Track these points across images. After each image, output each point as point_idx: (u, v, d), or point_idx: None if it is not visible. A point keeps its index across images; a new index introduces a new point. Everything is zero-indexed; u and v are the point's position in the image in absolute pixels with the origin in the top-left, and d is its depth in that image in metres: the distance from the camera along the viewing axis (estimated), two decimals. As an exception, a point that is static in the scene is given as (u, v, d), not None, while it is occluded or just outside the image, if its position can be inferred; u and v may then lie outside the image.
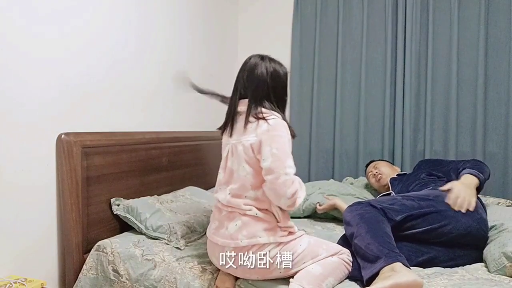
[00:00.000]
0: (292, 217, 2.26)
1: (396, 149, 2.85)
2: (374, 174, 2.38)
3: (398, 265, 1.32)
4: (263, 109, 1.44)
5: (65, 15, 1.65)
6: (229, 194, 1.44)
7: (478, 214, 1.63)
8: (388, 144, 2.89)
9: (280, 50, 3.21)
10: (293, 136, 1.47)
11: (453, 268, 1.52)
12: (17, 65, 1.47)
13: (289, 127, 1.46)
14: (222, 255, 1.39)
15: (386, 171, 2.35)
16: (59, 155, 1.62)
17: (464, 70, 2.72)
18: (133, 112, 2.10)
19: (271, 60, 1.51)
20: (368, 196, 2.44)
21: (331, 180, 2.66)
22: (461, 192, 1.65)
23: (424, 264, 1.53)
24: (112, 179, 1.85)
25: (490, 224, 1.69)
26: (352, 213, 1.58)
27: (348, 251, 1.46)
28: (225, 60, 3.17)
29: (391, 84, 2.89)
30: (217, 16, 3.03)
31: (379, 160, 2.57)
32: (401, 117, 2.85)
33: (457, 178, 1.82)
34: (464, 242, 1.58)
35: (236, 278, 1.47)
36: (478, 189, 1.77)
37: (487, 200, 2.26)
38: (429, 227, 1.56)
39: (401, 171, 2.43)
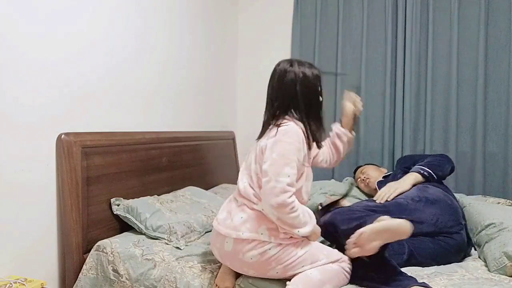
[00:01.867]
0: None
1: (396, 149, 2.85)
2: (363, 179, 2.40)
3: (384, 217, 1.36)
4: (286, 117, 1.44)
5: (65, 15, 1.65)
6: (245, 182, 1.46)
7: (443, 202, 1.71)
8: (388, 144, 2.89)
9: (280, 50, 3.22)
10: (318, 146, 1.48)
11: (452, 267, 1.52)
12: (17, 66, 1.47)
13: (314, 136, 1.45)
14: (225, 242, 1.40)
15: (374, 175, 2.37)
16: (59, 155, 1.62)
17: (464, 70, 2.72)
18: (133, 112, 2.10)
19: (300, 64, 1.46)
20: (367, 196, 2.44)
21: (332, 180, 2.66)
22: (384, 189, 1.86)
23: (418, 257, 1.57)
24: (112, 179, 1.85)
25: (488, 221, 1.72)
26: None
27: (349, 259, 1.44)
28: (225, 60, 3.17)
29: (391, 84, 2.89)
30: (217, 16, 3.03)
31: (365, 164, 2.59)
32: (401, 117, 2.85)
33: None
34: (440, 230, 1.63)
35: (236, 277, 1.48)
36: (439, 180, 1.92)
37: (487, 200, 2.26)
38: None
39: (387, 172, 2.44)
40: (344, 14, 3.00)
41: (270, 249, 1.36)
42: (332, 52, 3.06)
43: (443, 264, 1.58)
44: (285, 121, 1.42)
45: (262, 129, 1.52)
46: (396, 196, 1.82)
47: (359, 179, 2.47)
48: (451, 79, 2.72)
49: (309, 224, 1.38)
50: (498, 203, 2.21)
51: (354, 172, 2.59)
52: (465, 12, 2.71)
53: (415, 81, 2.83)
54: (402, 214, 1.61)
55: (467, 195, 2.57)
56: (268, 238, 1.37)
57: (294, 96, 1.44)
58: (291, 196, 1.32)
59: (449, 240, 1.63)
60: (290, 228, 1.35)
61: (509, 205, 2.16)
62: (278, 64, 1.49)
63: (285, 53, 3.20)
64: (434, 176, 1.90)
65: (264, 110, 1.52)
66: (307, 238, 1.43)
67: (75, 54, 1.71)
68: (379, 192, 1.88)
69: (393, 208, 1.67)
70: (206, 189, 2.50)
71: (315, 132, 1.46)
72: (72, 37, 1.69)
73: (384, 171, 2.43)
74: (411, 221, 1.48)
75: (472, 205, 1.95)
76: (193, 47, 2.67)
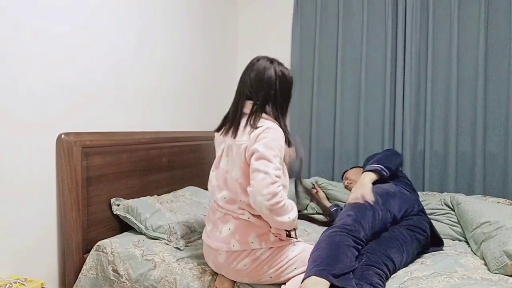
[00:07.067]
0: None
1: (396, 149, 2.85)
2: (346, 185, 2.51)
3: (312, 279, 1.25)
4: (264, 114, 1.43)
5: (65, 14, 1.65)
6: (224, 198, 1.44)
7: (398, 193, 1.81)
8: (388, 144, 2.89)
9: (280, 50, 3.22)
10: (288, 144, 1.45)
11: (452, 267, 1.52)
12: (18, 65, 1.47)
13: (286, 134, 1.44)
14: (218, 255, 1.41)
15: (355, 178, 2.44)
16: (59, 155, 1.62)
17: (464, 70, 2.72)
18: (133, 112, 2.10)
19: (280, 63, 1.50)
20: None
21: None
22: (353, 193, 1.80)
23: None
24: (112, 179, 1.85)
25: (483, 219, 1.75)
26: (324, 233, 1.53)
27: None
28: (225, 60, 3.17)
29: (391, 84, 2.89)
30: (217, 16, 3.03)
31: (350, 168, 2.64)
32: (401, 117, 2.85)
33: None
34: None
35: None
36: (384, 178, 1.94)
37: (487, 200, 2.26)
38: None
39: None
40: (344, 14, 3.00)
41: (261, 253, 1.37)
42: (332, 52, 3.06)
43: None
44: (262, 120, 1.41)
45: (228, 122, 1.49)
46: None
47: (344, 184, 2.57)
48: (451, 79, 2.72)
49: (294, 209, 1.37)
50: (498, 202, 2.21)
51: (342, 178, 2.68)
52: (465, 12, 2.71)
53: (415, 81, 2.83)
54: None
55: (467, 195, 2.58)
56: (259, 245, 1.38)
57: (274, 92, 1.45)
58: (279, 186, 1.30)
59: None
60: (280, 217, 1.30)
61: (509, 205, 2.16)
62: (257, 60, 1.50)
63: (285, 53, 3.20)
64: (385, 169, 1.94)
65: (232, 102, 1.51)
66: (294, 229, 1.42)
67: (75, 54, 1.71)
68: (351, 198, 1.81)
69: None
70: (206, 189, 2.50)
71: (286, 129, 1.47)
72: (72, 37, 1.69)
73: None
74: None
75: (467, 203, 1.97)
76: (193, 47, 2.67)
